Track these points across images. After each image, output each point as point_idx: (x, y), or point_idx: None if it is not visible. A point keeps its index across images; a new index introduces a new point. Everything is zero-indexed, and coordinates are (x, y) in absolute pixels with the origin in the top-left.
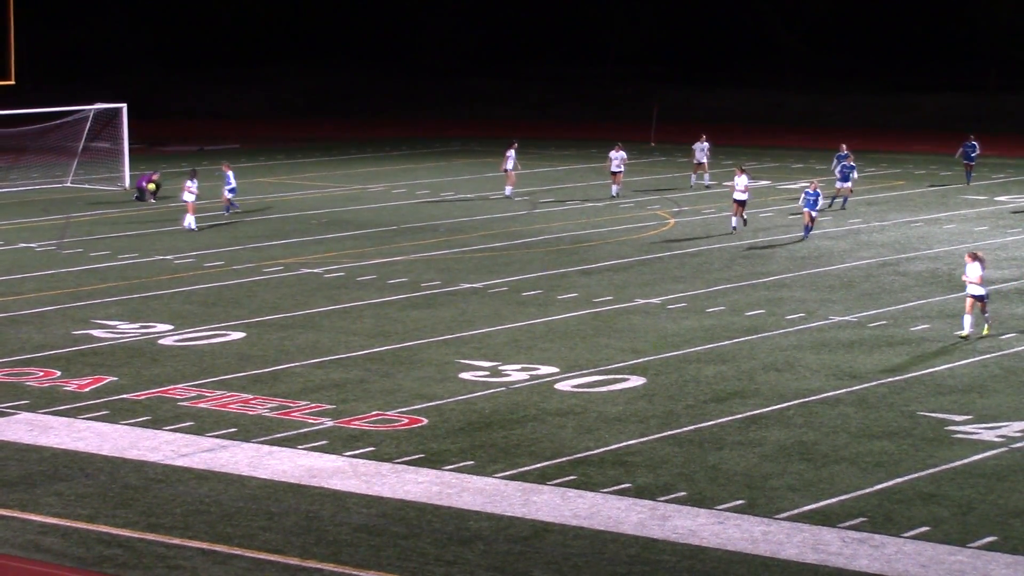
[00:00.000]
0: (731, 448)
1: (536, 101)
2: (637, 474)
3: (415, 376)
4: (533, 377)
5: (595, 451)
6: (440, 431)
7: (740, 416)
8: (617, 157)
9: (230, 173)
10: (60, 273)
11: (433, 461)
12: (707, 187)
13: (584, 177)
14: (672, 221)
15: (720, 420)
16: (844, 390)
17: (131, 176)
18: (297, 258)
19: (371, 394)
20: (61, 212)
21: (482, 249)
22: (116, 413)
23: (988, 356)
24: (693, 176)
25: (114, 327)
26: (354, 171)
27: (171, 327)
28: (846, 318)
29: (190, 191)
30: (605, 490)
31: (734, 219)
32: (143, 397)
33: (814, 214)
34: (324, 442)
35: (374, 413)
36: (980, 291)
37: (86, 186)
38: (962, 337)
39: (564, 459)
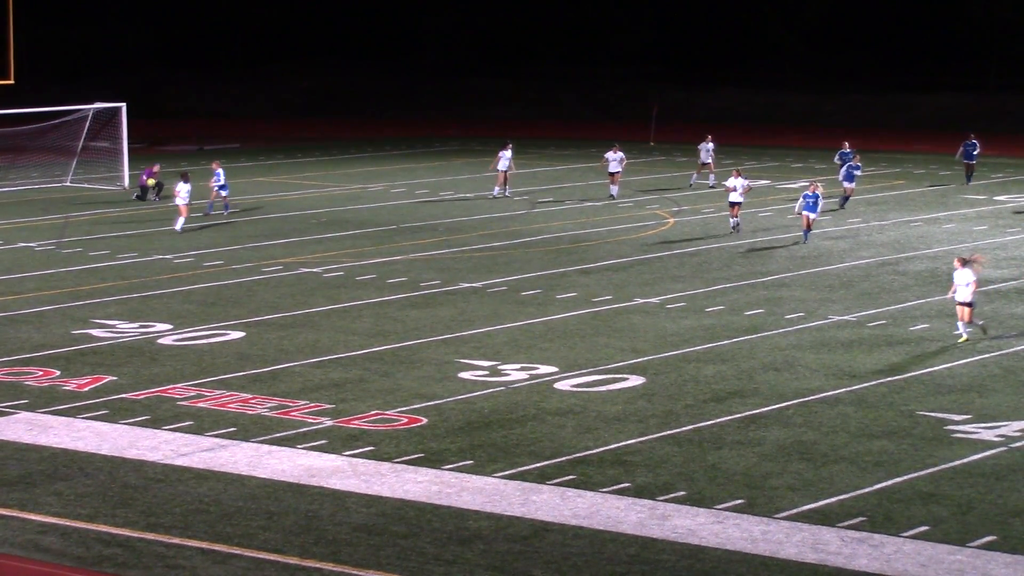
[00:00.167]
0: (730, 448)
1: (535, 101)
2: (636, 474)
3: (414, 375)
4: (532, 376)
5: (594, 451)
6: (439, 431)
7: (739, 416)
8: (615, 158)
9: (220, 171)
10: (59, 272)
11: (432, 460)
12: (711, 187)
13: (583, 177)
14: (671, 221)
15: (719, 420)
16: (843, 390)
17: (131, 176)
18: (296, 257)
19: (370, 393)
20: (60, 212)
21: (481, 248)
22: (115, 412)
23: (987, 356)
24: (694, 175)
25: (113, 326)
26: (353, 170)
27: (170, 326)
28: (845, 318)
29: (181, 196)
30: (604, 490)
31: (734, 220)
32: (142, 396)
33: (813, 216)
34: (323, 441)
35: (373, 412)
36: (968, 297)
37: (85, 186)
38: (962, 341)
39: (563, 459)
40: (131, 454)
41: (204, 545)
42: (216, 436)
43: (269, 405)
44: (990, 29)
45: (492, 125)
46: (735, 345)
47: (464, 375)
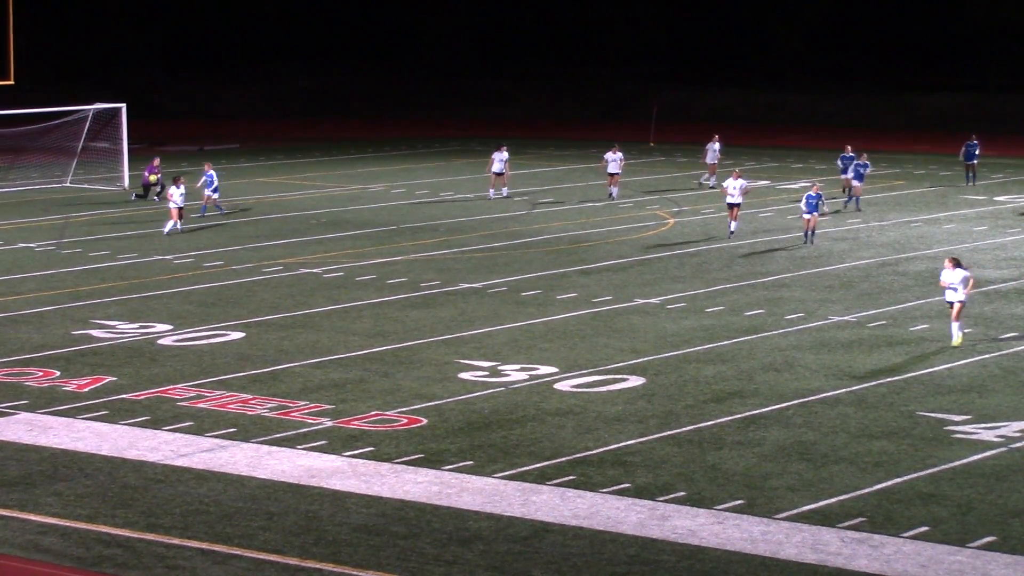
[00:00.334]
0: (730, 448)
1: (535, 101)
2: (636, 474)
3: (414, 376)
4: (532, 377)
5: (594, 451)
6: (439, 431)
7: (739, 416)
8: (614, 158)
9: (212, 173)
10: (59, 273)
11: (432, 461)
12: (711, 187)
13: (583, 177)
14: (671, 221)
15: (719, 420)
16: (843, 390)
17: (131, 177)
18: (296, 258)
19: (370, 394)
20: (60, 212)
21: (481, 249)
22: (115, 413)
23: (987, 356)
24: (705, 175)
25: (113, 327)
26: (353, 171)
27: (170, 327)
28: (845, 318)
29: (173, 200)
30: (604, 490)
31: (732, 224)
32: (142, 397)
33: (816, 217)
34: (323, 442)
35: (373, 413)
36: (961, 297)
37: (85, 186)
38: (954, 346)
39: (563, 459)
40: (131, 455)
41: (204, 546)
42: (216, 437)
43: (269, 406)
44: (990, 29)
45: (492, 125)
46: (735, 345)
47: (464, 375)
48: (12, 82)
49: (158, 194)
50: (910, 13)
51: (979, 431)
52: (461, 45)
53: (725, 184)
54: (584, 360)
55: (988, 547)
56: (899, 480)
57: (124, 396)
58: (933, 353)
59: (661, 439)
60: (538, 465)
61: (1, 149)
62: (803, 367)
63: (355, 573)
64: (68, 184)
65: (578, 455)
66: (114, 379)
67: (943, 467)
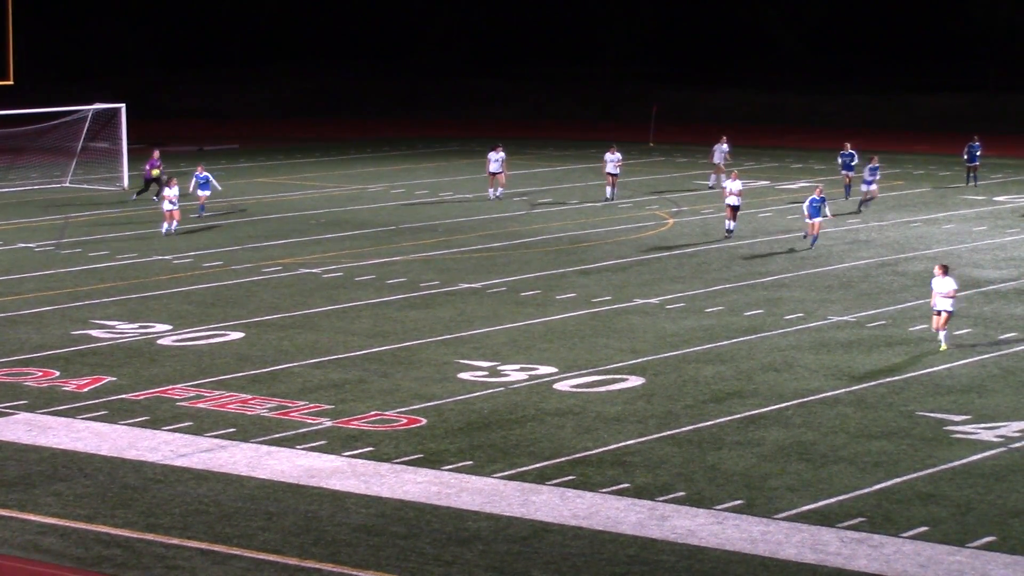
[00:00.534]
0: (730, 448)
1: (535, 101)
2: (636, 474)
3: (414, 376)
4: (532, 377)
5: (594, 451)
6: (439, 431)
7: (739, 416)
8: (612, 159)
9: (206, 174)
10: (59, 273)
11: (432, 461)
12: (711, 187)
13: (582, 177)
14: (671, 221)
15: (719, 420)
16: (843, 390)
17: (130, 177)
18: (296, 258)
19: (370, 394)
20: (60, 212)
21: (481, 249)
22: (115, 413)
23: (987, 356)
24: (714, 177)
25: (113, 327)
26: (353, 171)
27: (170, 327)
28: (845, 318)
29: (170, 200)
30: (604, 490)
31: (730, 223)
32: (142, 397)
33: (818, 221)
34: (323, 442)
35: (373, 413)
36: (948, 306)
37: (85, 186)
38: (944, 349)
39: (563, 459)
40: (130, 455)
41: (203, 546)
42: (215, 437)
43: (268, 406)
44: (990, 29)
45: (491, 125)
46: (734, 346)
47: (463, 376)
48: (12, 82)
49: (157, 193)
50: (910, 13)
51: (978, 431)
52: (461, 45)
53: (725, 185)
54: (583, 360)
55: (987, 547)
56: (898, 480)
57: (123, 396)
58: (932, 353)
59: (660, 439)
60: (537, 465)
61: (0, 149)
62: (802, 367)
63: (354, 573)
64: (67, 184)
65: (577, 455)
66: (113, 379)
67: (942, 467)
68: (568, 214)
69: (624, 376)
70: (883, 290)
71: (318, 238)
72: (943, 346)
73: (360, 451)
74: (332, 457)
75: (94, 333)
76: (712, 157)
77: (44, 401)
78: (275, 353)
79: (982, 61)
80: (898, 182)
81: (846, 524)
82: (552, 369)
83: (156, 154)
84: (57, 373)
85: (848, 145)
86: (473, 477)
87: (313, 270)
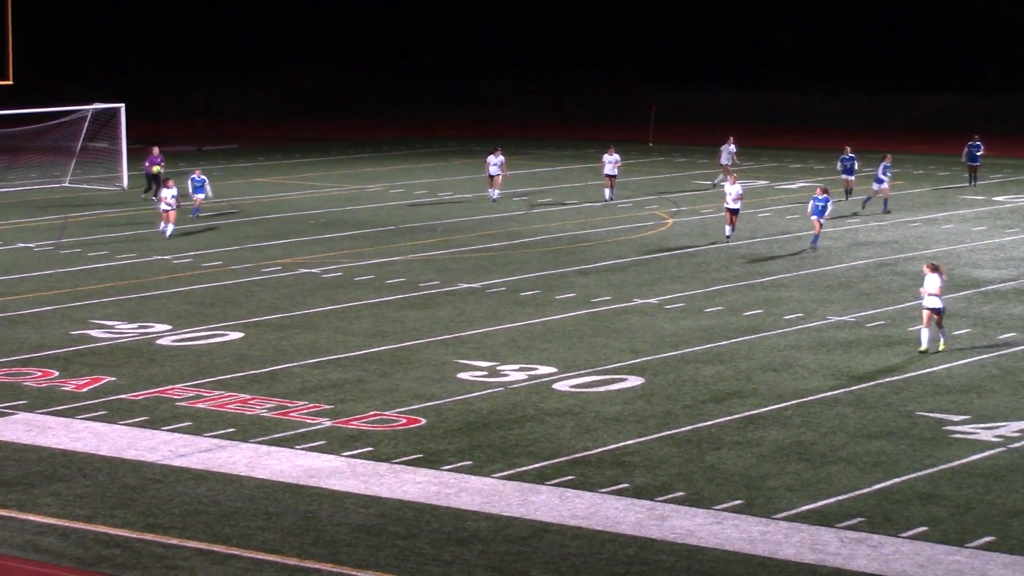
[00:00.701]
0: (729, 448)
1: (534, 102)
2: (635, 474)
3: (413, 376)
4: (531, 377)
5: (593, 451)
6: (438, 431)
7: (738, 416)
8: (611, 160)
9: (203, 177)
10: (58, 273)
11: (431, 461)
12: (713, 185)
13: (582, 177)
14: (670, 221)
15: (718, 420)
16: (842, 390)
17: (130, 177)
18: (295, 258)
19: (369, 394)
20: (59, 212)
21: (480, 249)
22: (114, 413)
23: (986, 356)
24: (721, 177)
25: (112, 327)
26: (352, 171)
27: (169, 327)
28: (844, 318)
29: (167, 202)
30: (603, 490)
31: (728, 229)
32: (141, 397)
33: (823, 221)
34: (322, 442)
35: (372, 413)
36: (937, 304)
37: (84, 186)
38: (921, 352)
39: (562, 459)
40: (130, 455)
41: (203, 546)
42: (215, 437)
43: (268, 406)
44: (990, 30)
45: (491, 126)
46: (734, 346)
47: (463, 376)
48: (11, 82)
49: (155, 192)
50: (909, 13)
51: (978, 431)
52: (460, 45)
53: (725, 188)
54: (583, 360)
55: (987, 547)
56: (898, 480)
57: (123, 396)
58: (931, 353)
59: (660, 439)
60: (537, 465)
61: (0, 149)
62: (802, 367)
63: (354, 573)
64: (67, 184)
65: (577, 455)
66: (113, 379)
67: (942, 467)
68: (567, 214)
69: (623, 376)
70: (882, 290)
71: (317, 238)
72: (941, 345)
73: (359, 451)
74: (331, 457)
75: (93, 333)
76: (720, 158)
77: (43, 401)
78: (274, 353)
79: (981, 61)
80: (897, 182)
81: (845, 524)
82: (551, 369)
83: (156, 151)
84: (56, 373)
85: (848, 148)
86: (472, 477)
87: (312, 270)
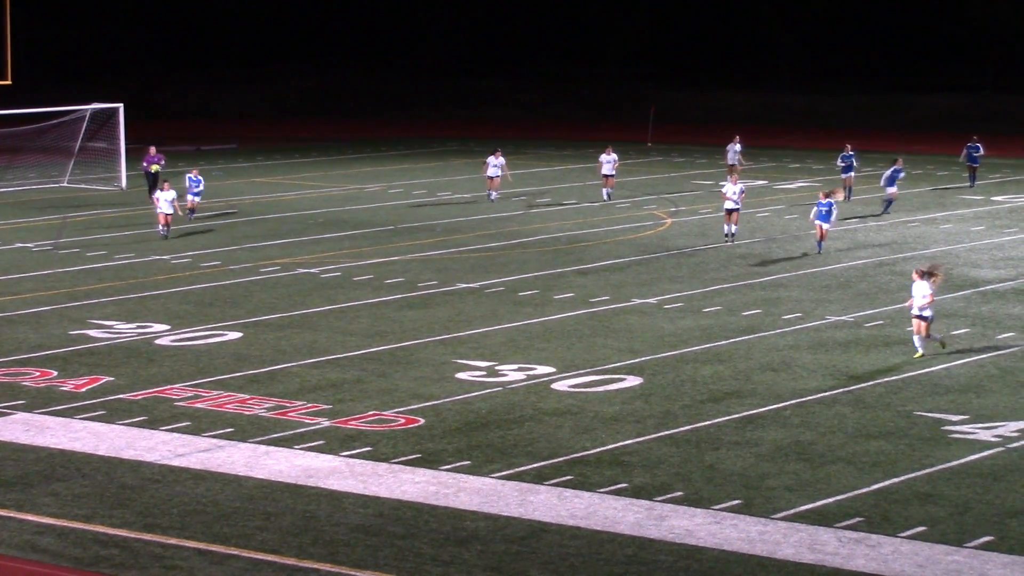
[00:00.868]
0: (728, 448)
1: (533, 101)
2: (634, 474)
3: (412, 376)
4: (530, 377)
5: (592, 451)
6: (437, 431)
7: (737, 416)
8: (608, 160)
9: (199, 178)
10: (57, 273)
11: (430, 461)
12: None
13: (581, 177)
14: (669, 221)
15: (717, 420)
16: (841, 390)
17: (129, 177)
18: (294, 258)
19: (368, 394)
20: (57, 212)
21: (479, 249)
22: (113, 413)
23: (985, 356)
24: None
25: (111, 327)
26: (351, 171)
27: (168, 327)
28: (843, 318)
29: (161, 204)
30: (602, 490)
31: (730, 227)
32: (140, 397)
33: (826, 227)
34: (321, 442)
35: (371, 413)
36: (926, 312)
37: (83, 186)
38: (917, 357)
39: (561, 459)
40: (128, 455)
41: (201, 546)
42: (213, 437)
43: (266, 406)
44: (989, 30)
45: (490, 126)
46: (732, 345)
47: (461, 376)
48: (10, 82)
49: (151, 192)
50: (908, 13)
51: (976, 431)
52: (460, 45)
53: (724, 189)
54: (581, 360)
55: (985, 547)
56: (896, 480)
57: (121, 396)
58: (930, 353)
59: (658, 439)
60: (535, 465)
61: None
62: (800, 367)
63: (352, 573)
64: (65, 184)
65: (575, 455)
66: (111, 379)
67: (940, 467)
68: (566, 214)
69: (622, 376)
70: (881, 290)
71: (316, 238)
72: (918, 352)
73: (358, 451)
74: (330, 457)
75: (92, 333)
76: (726, 157)
77: (42, 401)
78: (273, 353)
79: (980, 61)
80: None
81: (844, 524)
82: (550, 369)
83: (152, 150)
84: (55, 373)
85: (849, 146)
86: (471, 477)
87: (311, 270)
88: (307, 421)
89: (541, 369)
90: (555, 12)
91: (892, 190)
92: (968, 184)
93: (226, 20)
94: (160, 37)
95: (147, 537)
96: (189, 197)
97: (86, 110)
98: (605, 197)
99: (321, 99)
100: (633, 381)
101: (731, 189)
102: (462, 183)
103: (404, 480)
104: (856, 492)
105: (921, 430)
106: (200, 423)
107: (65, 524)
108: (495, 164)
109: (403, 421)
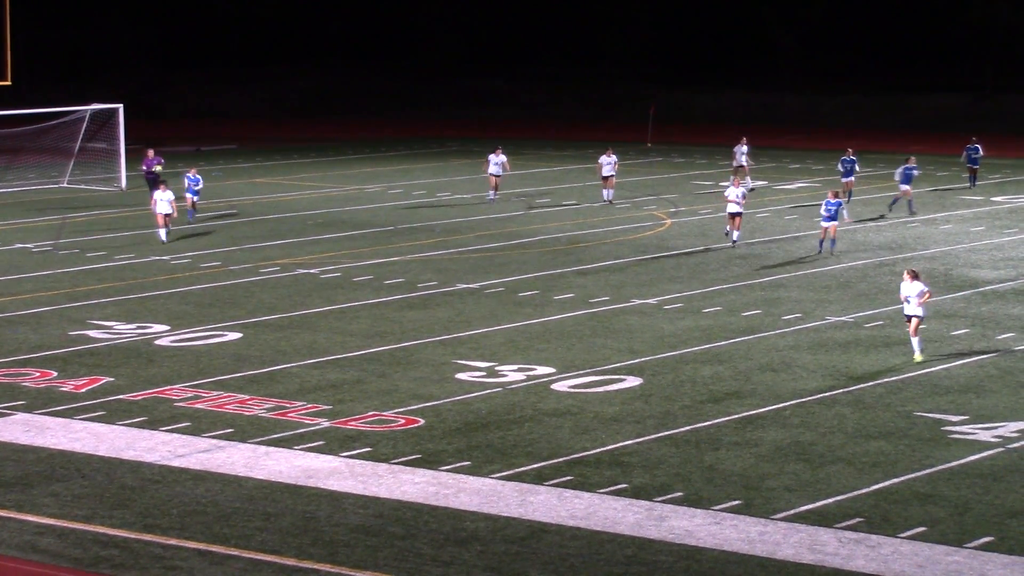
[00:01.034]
0: (728, 448)
1: (533, 102)
2: (634, 474)
3: (411, 377)
4: (530, 377)
5: (592, 451)
6: (437, 431)
7: (736, 416)
8: (608, 161)
9: (198, 177)
10: (56, 274)
11: (430, 461)
12: (751, 189)
13: (580, 178)
14: (668, 222)
15: (716, 420)
16: (840, 390)
17: (128, 177)
18: (294, 259)
19: (368, 395)
20: (57, 213)
21: (478, 249)
22: (112, 414)
23: (984, 356)
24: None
25: (111, 328)
26: (351, 171)
27: (167, 328)
28: (842, 318)
29: (158, 205)
30: (602, 490)
31: (733, 232)
32: (140, 398)
33: (835, 226)
34: (321, 443)
35: (371, 413)
36: (918, 312)
37: (82, 186)
38: (918, 362)
39: (561, 459)
40: (128, 455)
41: (201, 546)
42: (213, 437)
43: (266, 406)
44: (988, 30)
45: (490, 126)
46: (732, 346)
47: (461, 376)
48: (10, 83)
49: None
50: (907, 13)
51: (976, 431)
52: (459, 45)
53: (727, 192)
54: (581, 360)
55: (985, 547)
56: (896, 480)
57: (121, 397)
58: (930, 354)
59: (658, 439)
60: (535, 465)
61: None
62: (800, 367)
63: (352, 574)
64: (65, 185)
65: (575, 455)
66: (111, 380)
67: (940, 467)
68: (566, 214)
69: (622, 376)
70: (881, 290)
71: (316, 238)
72: (917, 356)
73: (358, 451)
74: (330, 457)
75: (92, 333)
76: (733, 159)
77: (42, 401)
78: (273, 353)
79: (980, 62)
80: (896, 182)
81: (844, 524)
82: (550, 369)
83: (151, 153)
84: (55, 373)
85: (850, 150)
86: (471, 477)
87: (311, 270)
88: (307, 422)
89: (541, 370)
90: (555, 12)
91: (906, 188)
92: (968, 185)
93: (226, 20)
94: (160, 37)
95: (147, 538)
96: (187, 196)
97: (86, 111)
98: (605, 198)
99: (321, 99)
100: (633, 381)
101: (734, 192)
102: (462, 183)
103: (404, 480)
104: (856, 492)
105: (921, 430)
106: (200, 424)
107: (65, 525)
108: (496, 162)
109: (403, 422)
